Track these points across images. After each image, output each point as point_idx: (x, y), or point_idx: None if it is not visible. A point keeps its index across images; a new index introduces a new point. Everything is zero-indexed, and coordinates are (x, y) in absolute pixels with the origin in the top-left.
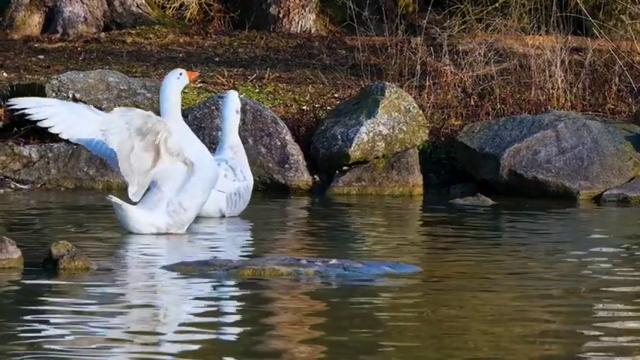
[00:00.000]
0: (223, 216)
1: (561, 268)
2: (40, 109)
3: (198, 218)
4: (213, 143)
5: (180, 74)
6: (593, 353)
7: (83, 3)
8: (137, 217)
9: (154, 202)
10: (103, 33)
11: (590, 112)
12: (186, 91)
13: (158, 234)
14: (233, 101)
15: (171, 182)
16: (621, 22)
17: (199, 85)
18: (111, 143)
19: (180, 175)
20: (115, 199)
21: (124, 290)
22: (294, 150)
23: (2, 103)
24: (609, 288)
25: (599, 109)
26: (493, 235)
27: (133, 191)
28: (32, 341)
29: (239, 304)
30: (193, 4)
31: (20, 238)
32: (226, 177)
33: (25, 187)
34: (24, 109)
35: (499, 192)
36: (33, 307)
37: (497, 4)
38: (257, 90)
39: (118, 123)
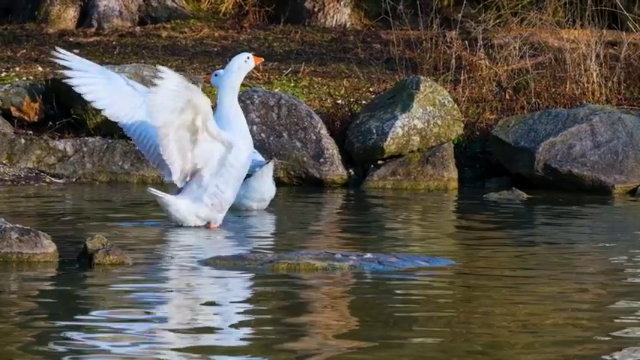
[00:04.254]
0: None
1: (597, 264)
2: (83, 76)
3: (234, 211)
4: None
5: (248, 58)
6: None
7: None
8: (179, 208)
9: (195, 190)
10: (138, 27)
11: (625, 106)
12: None
13: (197, 226)
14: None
15: (210, 165)
16: None
17: None
18: (155, 120)
19: (218, 157)
20: (155, 192)
21: (160, 285)
22: (329, 144)
23: (37, 98)
24: None
25: (635, 103)
26: (528, 230)
27: (176, 178)
28: (68, 336)
29: (274, 298)
30: None
31: (55, 232)
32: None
33: (60, 181)
34: (67, 68)
35: (534, 186)
36: (68, 302)
37: None
38: (292, 84)
39: (164, 100)
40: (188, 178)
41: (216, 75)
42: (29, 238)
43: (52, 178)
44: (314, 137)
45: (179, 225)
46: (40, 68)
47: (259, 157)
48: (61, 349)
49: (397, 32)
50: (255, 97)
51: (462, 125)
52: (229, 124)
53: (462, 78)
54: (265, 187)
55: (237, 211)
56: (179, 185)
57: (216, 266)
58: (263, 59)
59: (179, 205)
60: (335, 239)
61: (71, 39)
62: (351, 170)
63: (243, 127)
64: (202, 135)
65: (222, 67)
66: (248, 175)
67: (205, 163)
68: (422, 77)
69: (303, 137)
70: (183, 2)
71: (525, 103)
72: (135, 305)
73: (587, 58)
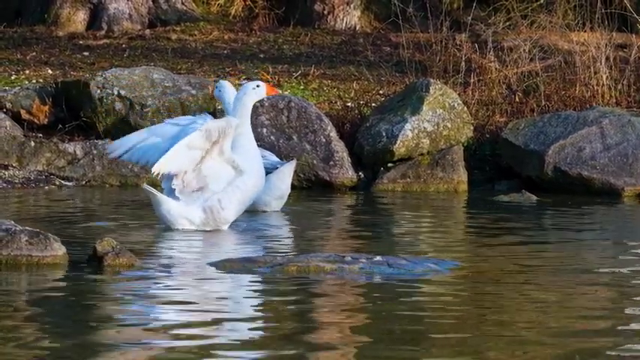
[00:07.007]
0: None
1: (607, 266)
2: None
3: (250, 211)
4: (257, 140)
5: (258, 86)
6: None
7: (128, 0)
8: (171, 209)
9: (194, 196)
10: (147, 30)
11: (635, 109)
12: None
13: (195, 230)
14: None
15: (217, 181)
16: None
17: (244, 80)
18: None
19: (227, 177)
20: (149, 189)
21: (169, 287)
22: (339, 147)
23: (47, 100)
24: None
25: None
26: (538, 232)
27: (177, 183)
28: (77, 339)
29: (284, 300)
30: (238, 1)
31: (65, 235)
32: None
33: (70, 184)
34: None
35: (544, 189)
36: (78, 304)
37: (542, 1)
38: (302, 87)
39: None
40: (187, 187)
41: (217, 86)
42: (39, 241)
43: (62, 181)
44: (324, 140)
45: (169, 227)
46: (49, 71)
47: (274, 158)
48: (70, 351)
49: (407, 35)
50: (265, 99)
51: (472, 128)
52: (242, 152)
53: (472, 81)
54: (285, 185)
55: (250, 212)
56: (176, 190)
57: (226, 269)
58: (279, 91)
59: (171, 206)
60: (345, 242)
61: (81, 42)
62: (360, 173)
63: (257, 157)
64: (214, 153)
65: (232, 70)
66: (268, 172)
67: (213, 178)
68: (432, 80)
69: (312, 140)
70: (193, 5)
71: (535, 105)
72: (144, 307)
73: (596, 60)
